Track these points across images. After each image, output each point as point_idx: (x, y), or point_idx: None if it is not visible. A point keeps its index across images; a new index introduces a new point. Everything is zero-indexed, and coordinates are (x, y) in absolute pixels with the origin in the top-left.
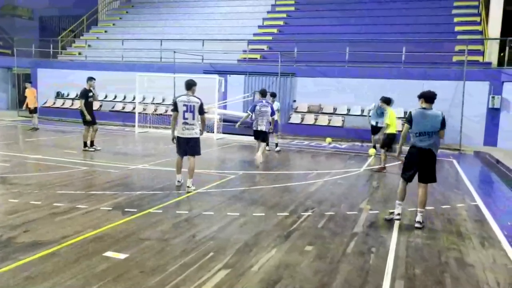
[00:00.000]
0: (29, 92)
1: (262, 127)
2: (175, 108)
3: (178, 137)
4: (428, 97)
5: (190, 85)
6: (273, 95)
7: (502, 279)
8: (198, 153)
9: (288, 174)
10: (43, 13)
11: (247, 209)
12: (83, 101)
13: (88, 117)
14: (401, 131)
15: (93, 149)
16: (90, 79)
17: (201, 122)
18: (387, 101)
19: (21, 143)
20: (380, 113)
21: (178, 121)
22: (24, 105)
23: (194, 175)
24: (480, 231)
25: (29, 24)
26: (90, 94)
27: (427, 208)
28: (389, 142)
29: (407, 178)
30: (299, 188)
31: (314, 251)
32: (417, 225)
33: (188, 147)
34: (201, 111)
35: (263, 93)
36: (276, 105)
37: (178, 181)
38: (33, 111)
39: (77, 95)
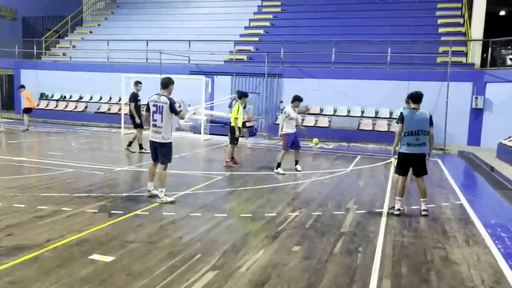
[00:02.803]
0: (24, 94)
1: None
2: (147, 108)
3: (149, 140)
4: (416, 97)
5: (166, 84)
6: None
7: (486, 276)
8: (165, 161)
9: (275, 175)
10: (26, 14)
11: (234, 210)
12: (133, 104)
13: (138, 120)
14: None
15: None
16: (137, 83)
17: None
18: (241, 95)
19: (3, 145)
20: None
21: (150, 122)
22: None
23: (180, 176)
24: (465, 230)
25: (12, 25)
26: (139, 97)
27: (412, 207)
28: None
29: (403, 173)
30: (286, 188)
31: (301, 251)
32: (423, 212)
33: (158, 152)
34: (174, 111)
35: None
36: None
37: (149, 191)
38: (26, 111)
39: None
